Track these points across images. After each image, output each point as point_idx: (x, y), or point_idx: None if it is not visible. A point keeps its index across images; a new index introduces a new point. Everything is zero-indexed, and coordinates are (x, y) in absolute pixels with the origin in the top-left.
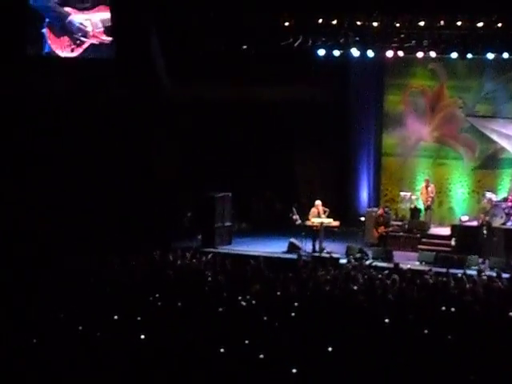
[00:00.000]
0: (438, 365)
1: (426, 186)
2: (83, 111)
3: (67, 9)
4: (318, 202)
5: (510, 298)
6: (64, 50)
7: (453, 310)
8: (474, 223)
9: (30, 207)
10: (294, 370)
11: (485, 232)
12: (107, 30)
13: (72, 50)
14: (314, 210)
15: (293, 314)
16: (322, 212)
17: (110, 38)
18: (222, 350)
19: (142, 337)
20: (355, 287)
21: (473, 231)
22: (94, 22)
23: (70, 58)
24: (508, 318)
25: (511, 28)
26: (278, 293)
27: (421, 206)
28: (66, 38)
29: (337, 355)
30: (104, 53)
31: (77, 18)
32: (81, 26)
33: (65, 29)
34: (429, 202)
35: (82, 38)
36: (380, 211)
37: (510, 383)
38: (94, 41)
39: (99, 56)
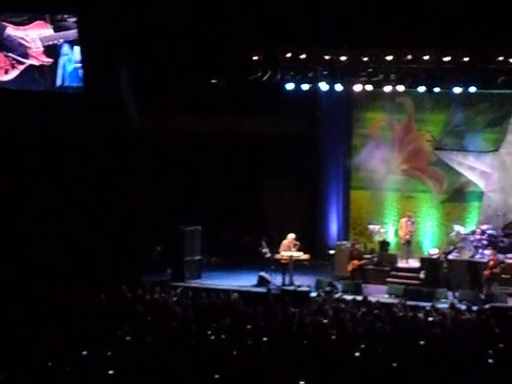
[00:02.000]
0: None
1: (407, 221)
2: (50, 144)
3: (2, 22)
4: (292, 236)
5: (479, 331)
6: None
7: (422, 343)
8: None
9: None
10: None
11: (445, 266)
12: (47, 51)
13: (6, 72)
14: (284, 243)
15: (263, 348)
16: (292, 246)
17: (50, 60)
18: None
19: (111, 372)
20: (325, 320)
21: (438, 264)
22: (31, 38)
23: (37, 92)
24: (476, 350)
25: (477, 62)
26: (248, 326)
27: (390, 239)
28: None
29: None
30: (44, 79)
31: (15, 32)
32: (22, 42)
33: (1, 45)
34: (407, 237)
35: (20, 58)
36: (356, 246)
37: None
38: (34, 62)
39: (36, 84)
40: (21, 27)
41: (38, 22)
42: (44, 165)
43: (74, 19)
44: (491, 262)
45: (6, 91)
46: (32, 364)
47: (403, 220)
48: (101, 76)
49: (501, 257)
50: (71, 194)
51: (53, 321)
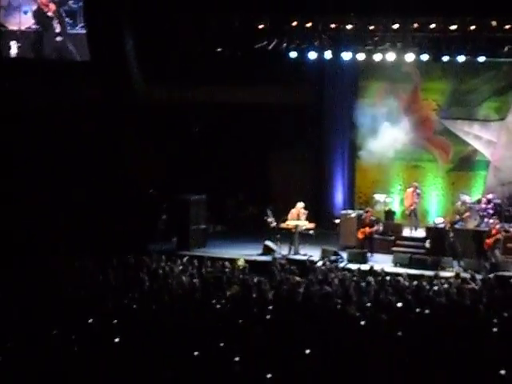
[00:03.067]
0: (412, 366)
1: (413, 192)
2: (55, 113)
3: None
4: (301, 205)
5: (483, 299)
6: None
7: (427, 311)
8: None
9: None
10: (269, 375)
11: (451, 235)
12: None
13: None
14: (293, 211)
15: (268, 317)
16: (301, 214)
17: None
18: (195, 354)
19: (117, 340)
20: (330, 290)
21: (444, 234)
22: None
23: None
24: (480, 319)
25: (484, 31)
26: (254, 295)
27: (395, 208)
28: None
29: (314, 358)
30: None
31: None
32: None
33: None
34: (412, 207)
35: None
36: (368, 213)
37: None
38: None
39: None
40: None
41: None
42: (47, 135)
43: None
44: (493, 231)
45: (8, 60)
46: (38, 332)
47: (409, 190)
48: (106, 47)
49: (506, 226)
50: (76, 165)
51: (59, 291)
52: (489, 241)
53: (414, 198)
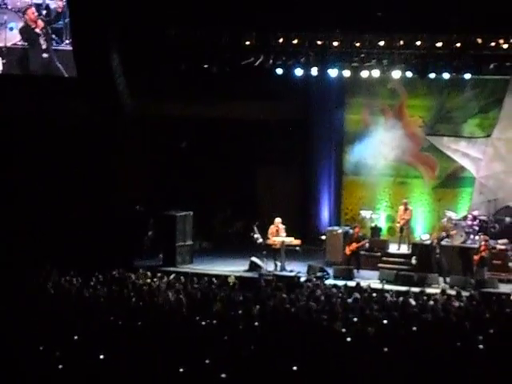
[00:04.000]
0: (398, 382)
1: (405, 209)
2: (42, 129)
3: None
4: (278, 220)
5: (469, 316)
6: None
7: (414, 328)
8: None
9: None
10: None
11: (438, 251)
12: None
13: None
14: (272, 228)
15: (254, 333)
16: (280, 230)
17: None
18: (181, 370)
19: (102, 357)
20: (316, 306)
21: (430, 250)
22: None
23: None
24: (466, 336)
25: (470, 48)
26: (239, 312)
27: (381, 224)
28: None
29: (300, 374)
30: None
31: None
32: None
33: None
34: (400, 224)
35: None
36: (356, 229)
37: None
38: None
39: None
40: None
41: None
42: (34, 151)
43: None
44: (482, 247)
45: None
46: (24, 348)
47: (400, 207)
48: (93, 63)
49: (492, 243)
50: (62, 180)
51: (43, 307)
52: (476, 257)
53: (402, 215)
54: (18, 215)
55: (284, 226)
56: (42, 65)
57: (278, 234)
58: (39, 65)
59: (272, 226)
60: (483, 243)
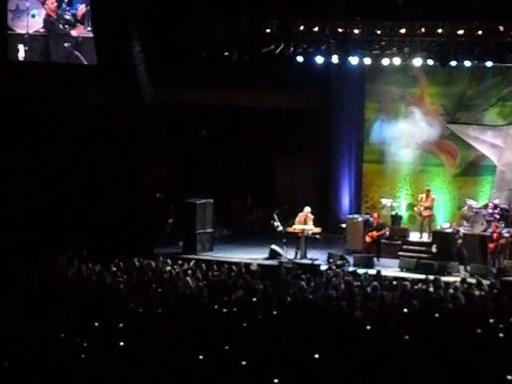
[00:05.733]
0: (420, 370)
1: (426, 196)
2: (62, 116)
3: None
4: (307, 209)
5: (489, 305)
6: None
7: (433, 316)
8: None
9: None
10: (276, 381)
11: (458, 240)
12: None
13: None
14: (301, 216)
15: (274, 321)
16: (308, 219)
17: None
18: (200, 357)
19: (122, 344)
20: (336, 294)
21: (451, 238)
22: None
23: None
24: (487, 324)
25: (492, 36)
26: (260, 299)
27: (402, 212)
28: None
29: (320, 362)
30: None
31: None
32: None
33: None
34: (420, 210)
35: None
36: (375, 215)
37: None
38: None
39: None
40: None
41: None
42: (54, 140)
43: None
44: (494, 235)
45: (17, 63)
46: (44, 335)
47: (422, 195)
48: (114, 50)
49: (504, 231)
50: (82, 167)
51: (65, 294)
52: (492, 245)
53: (424, 202)
54: (39, 201)
55: (313, 217)
56: (63, 52)
57: (306, 222)
58: (60, 52)
59: (301, 214)
60: (497, 231)
